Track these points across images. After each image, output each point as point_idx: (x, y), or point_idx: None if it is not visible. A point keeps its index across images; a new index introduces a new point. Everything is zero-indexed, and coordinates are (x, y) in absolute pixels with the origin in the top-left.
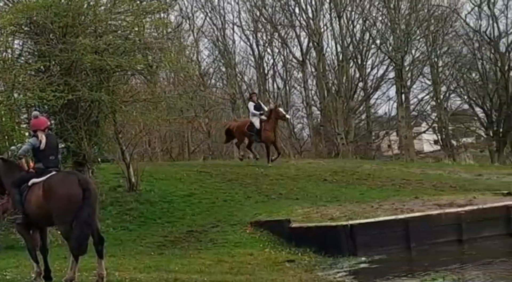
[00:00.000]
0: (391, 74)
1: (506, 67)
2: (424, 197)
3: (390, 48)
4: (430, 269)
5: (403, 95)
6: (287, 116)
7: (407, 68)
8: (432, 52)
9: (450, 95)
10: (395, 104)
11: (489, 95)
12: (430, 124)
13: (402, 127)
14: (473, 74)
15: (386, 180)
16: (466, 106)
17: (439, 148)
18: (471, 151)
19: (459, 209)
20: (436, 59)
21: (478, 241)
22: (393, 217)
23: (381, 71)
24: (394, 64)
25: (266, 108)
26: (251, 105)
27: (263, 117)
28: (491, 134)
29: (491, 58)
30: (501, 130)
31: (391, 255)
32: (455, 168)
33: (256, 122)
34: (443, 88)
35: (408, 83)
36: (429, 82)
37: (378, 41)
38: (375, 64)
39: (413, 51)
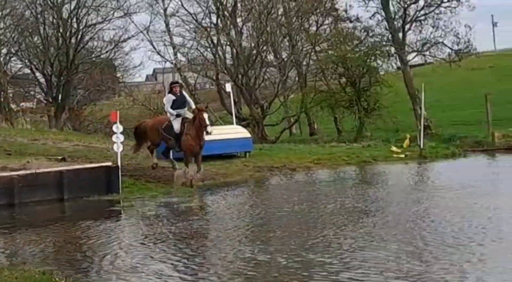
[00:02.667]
0: None
1: (68, 33)
2: None
3: None
4: None
5: None
6: (209, 129)
7: None
8: None
9: (11, 58)
10: None
11: (50, 61)
12: None
13: None
14: (35, 38)
15: None
16: (27, 70)
17: None
18: (30, 116)
19: (12, 173)
20: None
21: (30, 205)
22: None
23: None
24: None
25: (193, 105)
26: (169, 99)
27: (188, 115)
28: (50, 99)
29: (53, 23)
30: (60, 96)
31: None
32: (11, 132)
33: (176, 124)
34: (4, 51)
35: None
36: None
37: None
38: None
39: None
